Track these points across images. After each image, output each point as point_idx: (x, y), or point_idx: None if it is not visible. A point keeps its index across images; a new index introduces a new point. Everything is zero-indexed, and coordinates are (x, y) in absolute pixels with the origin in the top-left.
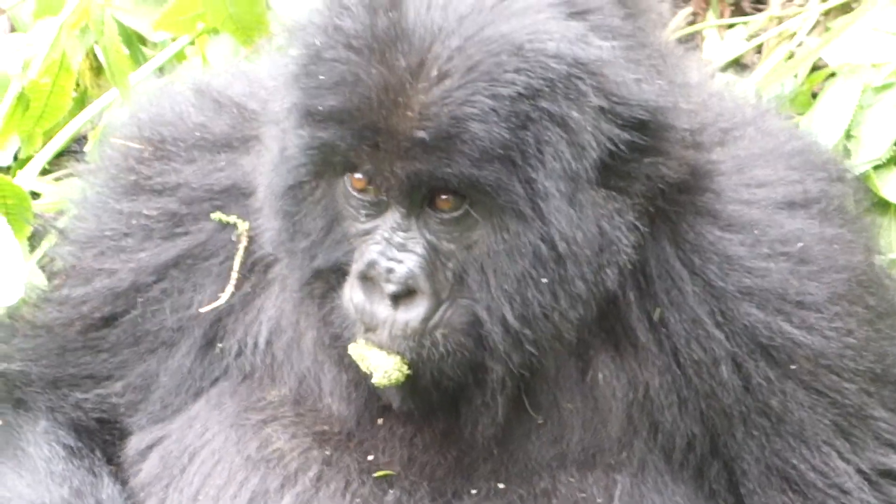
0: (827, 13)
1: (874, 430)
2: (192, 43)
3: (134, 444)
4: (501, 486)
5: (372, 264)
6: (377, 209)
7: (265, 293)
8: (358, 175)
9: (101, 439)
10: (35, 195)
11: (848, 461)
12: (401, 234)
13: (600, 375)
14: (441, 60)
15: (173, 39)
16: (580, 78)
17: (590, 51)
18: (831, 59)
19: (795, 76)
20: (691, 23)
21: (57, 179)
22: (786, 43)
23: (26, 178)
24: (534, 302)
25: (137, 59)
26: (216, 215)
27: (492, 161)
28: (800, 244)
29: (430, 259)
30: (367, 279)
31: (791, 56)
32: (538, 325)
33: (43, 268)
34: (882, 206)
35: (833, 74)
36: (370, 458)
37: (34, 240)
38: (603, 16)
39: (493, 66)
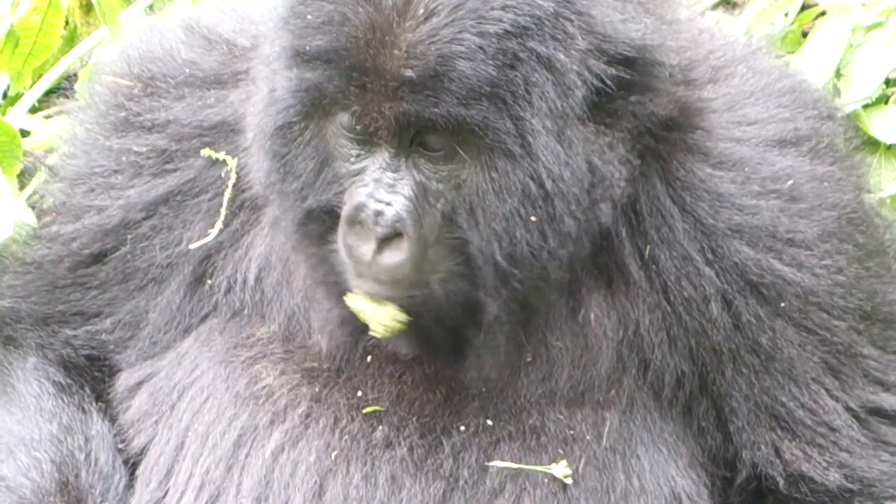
0: None
1: (863, 368)
2: None
3: (123, 380)
4: (490, 422)
5: (360, 207)
6: (367, 149)
7: (254, 230)
8: (346, 118)
9: (91, 376)
10: (25, 133)
11: (837, 399)
12: (390, 174)
13: (592, 314)
14: None
15: None
16: (567, 18)
17: None
18: None
19: (786, 15)
20: None
21: (47, 117)
22: None
23: (16, 116)
24: (522, 241)
25: None
26: (205, 151)
27: (479, 99)
28: (790, 182)
29: (419, 200)
30: (355, 222)
31: None
32: (526, 264)
33: (33, 206)
34: (872, 144)
35: (823, 13)
36: (359, 394)
37: (24, 177)
38: None
39: (480, 4)
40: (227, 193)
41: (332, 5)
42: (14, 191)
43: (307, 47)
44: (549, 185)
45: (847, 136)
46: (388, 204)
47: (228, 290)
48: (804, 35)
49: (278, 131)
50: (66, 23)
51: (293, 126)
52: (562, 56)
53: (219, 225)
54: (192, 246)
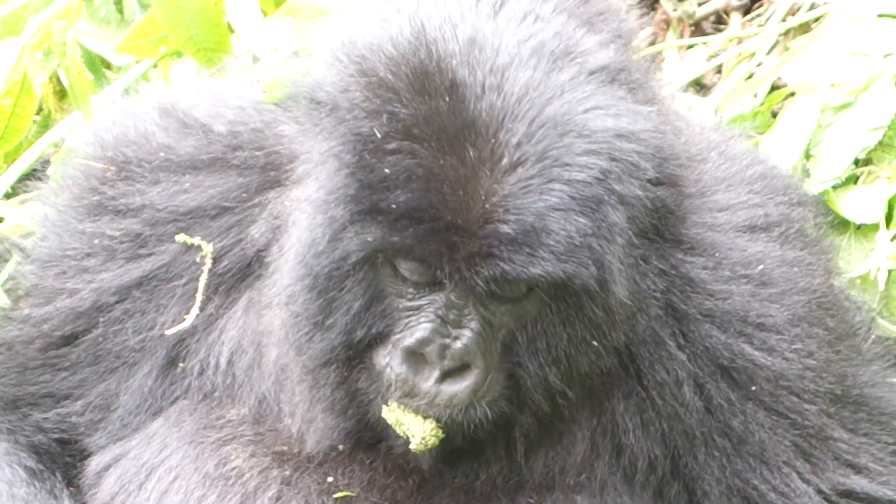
0: (786, 33)
1: (834, 451)
2: (156, 66)
3: (93, 464)
4: None
5: (424, 342)
6: (429, 289)
7: (228, 313)
8: (419, 269)
9: (62, 461)
10: None
11: (808, 482)
12: (454, 312)
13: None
14: (511, 147)
15: (137, 62)
16: (640, 153)
17: (641, 122)
18: (790, 79)
19: (755, 96)
20: (651, 43)
21: (21, 202)
22: (745, 63)
23: None
24: (582, 362)
25: (101, 82)
26: (181, 237)
27: (574, 253)
28: (761, 267)
29: (484, 333)
30: (415, 354)
31: (751, 76)
32: (580, 381)
33: (9, 291)
34: (842, 225)
35: (792, 94)
36: (330, 479)
37: None
38: (628, 74)
39: (564, 151)
40: (203, 279)
41: (411, 159)
42: None
43: (390, 204)
44: (618, 312)
45: (817, 220)
46: (456, 339)
47: (201, 372)
48: (774, 115)
49: (332, 274)
50: (40, 108)
51: (347, 270)
52: (636, 190)
53: (195, 311)
54: (169, 332)
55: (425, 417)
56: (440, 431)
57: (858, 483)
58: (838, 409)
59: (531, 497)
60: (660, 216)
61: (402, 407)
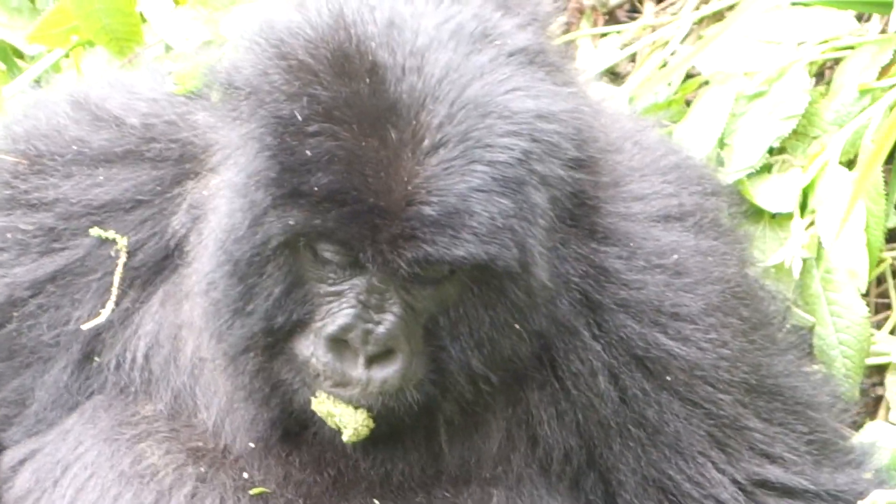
0: (700, 21)
1: (749, 441)
2: (68, 55)
3: (8, 458)
4: (377, 502)
5: (347, 328)
6: (350, 272)
7: (144, 307)
8: (339, 252)
9: None
10: None
11: (723, 472)
12: (376, 297)
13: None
14: (432, 129)
15: (48, 52)
16: (560, 133)
17: (560, 103)
18: (704, 68)
19: (669, 84)
20: (565, 31)
21: None
22: (659, 51)
23: None
24: (504, 346)
25: (12, 71)
26: (95, 231)
27: (496, 234)
28: (675, 256)
29: (406, 317)
30: (338, 341)
31: (664, 65)
32: (502, 365)
33: None
34: (756, 214)
35: (706, 83)
36: (245, 475)
37: None
38: (546, 56)
39: (485, 132)
40: (118, 273)
41: (333, 141)
42: None
43: (311, 187)
44: (538, 294)
45: (731, 209)
46: (378, 323)
47: (117, 367)
48: (688, 104)
49: (252, 259)
50: None
51: (267, 255)
52: (558, 171)
53: (110, 305)
54: (84, 326)
55: (356, 407)
56: (371, 421)
57: (773, 472)
58: (753, 399)
59: (447, 490)
60: (578, 201)
61: (333, 398)
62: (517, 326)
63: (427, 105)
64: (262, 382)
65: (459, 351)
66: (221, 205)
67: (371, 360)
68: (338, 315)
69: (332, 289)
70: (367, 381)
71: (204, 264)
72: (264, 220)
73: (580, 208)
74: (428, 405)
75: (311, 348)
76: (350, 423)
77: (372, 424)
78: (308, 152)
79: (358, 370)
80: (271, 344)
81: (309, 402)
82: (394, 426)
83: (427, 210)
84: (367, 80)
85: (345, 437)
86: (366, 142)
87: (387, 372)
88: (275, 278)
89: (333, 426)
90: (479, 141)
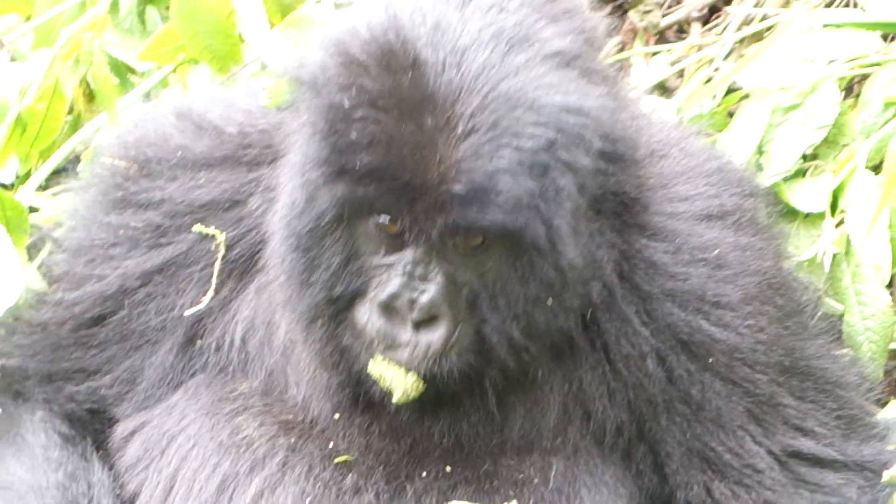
0: (741, 41)
1: (783, 416)
2: (174, 71)
3: (120, 430)
4: (448, 469)
5: (395, 296)
6: (398, 245)
7: (241, 296)
8: (388, 221)
9: (93, 428)
10: (34, 209)
11: (760, 444)
12: (421, 267)
13: (540, 373)
14: (465, 118)
15: (157, 68)
16: (585, 126)
17: (589, 100)
18: (745, 83)
19: (713, 98)
20: (620, 50)
21: (53, 195)
22: (704, 68)
23: (25, 194)
24: (539, 319)
25: (125, 86)
26: (197, 228)
27: (520, 209)
28: (716, 251)
29: (448, 288)
30: (388, 308)
31: (709, 80)
32: (540, 338)
33: (44, 274)
34: (791, 213)
35: (747, 96)
36: (331, 445)
37: (33, 249)
38: (584, 60)
39: (514, 122)
40: (217, 265)
41: (375, 125)
42: (23, 260)
43: (355, 165)
44: (568, 273)
45: (768, 209)
46: (423, 292)
47: (217, 349)
48: (730, 115)
49: (311, 232)
50: (71, 110)
51: (325, 228)
52: (582, 159)
53: (210, 293)
54: (187, 312)
55: (407, 370)
56: (420, 384)
57: (805, 444)
58: (787, 379)
59: (512, 459)
60: (618, 199)
61: (387, 360)
62: (550, 301)
63: (462, 97)
64: (331, 349)
65: (499, 322)
66: (286, 184)
67: (417, 325)
68: (388, 284)
69: (383, 261)
70: (415, 345)
71: (275, 241)
72: (317, 195)
73: (624, 207)
74: (474, 374)
75: (367, 315)
76: (400, 384)
77: (421, 388)
78: (354, 135)
79: (406, 334)
80: (335, 313)
81: (367, 366)
82: (442, 392)
83: (457, 187)
84: (410, 74)
85: (394, 399)
86: (404, 127)
87: (432, 337)
88: (333, 251)
89: (385, 388)
90: (508, 129)
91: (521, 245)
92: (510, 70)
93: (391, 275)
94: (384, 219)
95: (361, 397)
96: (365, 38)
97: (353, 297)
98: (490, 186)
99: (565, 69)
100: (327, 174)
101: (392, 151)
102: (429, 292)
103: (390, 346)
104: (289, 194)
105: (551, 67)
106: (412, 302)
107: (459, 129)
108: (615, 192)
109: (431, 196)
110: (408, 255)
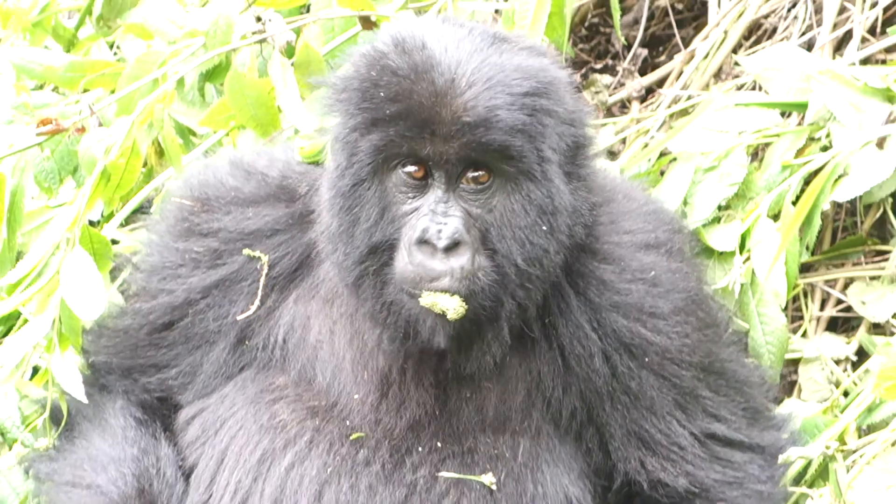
0: (672, 116)
1: (702, 405)
2: (227, 135)
3: (183, 415)
4: (439, 444)
5: (425, 230)
6: (421, 191)
7: (282, 305)
8: (413, 167)
9: (161, 413)
10: (115, 241)
11: (684, 427)
12: (442, 205)
13: (508, 363)
14: (466, 76)
15: (213, 132)
16: (556, 87)
17: (558, 73)
18: (674, 149)
19: (649, 160)
20: None
21: (131, 230)
22: (642, 137)
23: (109, 230)
24: (537, 246)
25: (188, 146)
26: (246, 251)
27: (516, 134)
28: (652, 273)
29: (466, 220)
30: (422, 242)
31: (646, 146)
32: (537, 265)
33: (123, 292)
34: (708, 251)
35: (675, 159)
36: (347, 423)
37: (115, 273)
38: (552, 58)
39: (504, 78)
40: (262, 280)
41: (398, 86)
42: (106, 281)
43: (386, 114)
44: (557, 201)
45: (691, 244)
46: (446, 224)
47: (263, 348)
48: (662, 174)
49: (352, 190)
50: (145, 164)
51: (364, 183)
52: (559, 110)
53: (257, 303)
54: (239, 317)
55: (452, 294)
56: (464, 303)
57: (719, 428)
58: (706, 376)
59: (489, 437)
60: (584, 173)
61: (432, 292)
62: (545, 228)
63: (462, 65)
64: (379, 305)
65: (507, 249)
66: (330, 154)
67: (447, 251)
68: (418, 223)
69: (411, 206)
70: (450, 270)
71: (323, 212)
72: (357, 149)
73: (585, 229)
74: (496, 297)
75: (405, 258)
76: (450, 305)
77: (464, 306)
78: (382, 94)
79: (440, 264)
80: (379, 268)
81: (416, 312)
82: (476, 318)
83: (466, 118)
84: (420, 53)
85: (450, 316)
86: (420, 85)
87: (460, 260)
88: (371, 203)
89: (439, 312)
90: (500, 82)
91: (519, 174)
92: (496, 51)
93: (419, 215)
94: (410, 168)
95: (411, 340)
96: (386, 41)
97: (391, 248)
98: (491, 116)
99: (539, 56)
100: (363, 127)
101: (413, 100)
102: (451, 223)
103: (431, 279)
104: (333, 159)
105: (528, 54)
106: (439, 232)
107: (463, 83)
108: (588, 174)
109: (447, 127)
110: (431, 197)
